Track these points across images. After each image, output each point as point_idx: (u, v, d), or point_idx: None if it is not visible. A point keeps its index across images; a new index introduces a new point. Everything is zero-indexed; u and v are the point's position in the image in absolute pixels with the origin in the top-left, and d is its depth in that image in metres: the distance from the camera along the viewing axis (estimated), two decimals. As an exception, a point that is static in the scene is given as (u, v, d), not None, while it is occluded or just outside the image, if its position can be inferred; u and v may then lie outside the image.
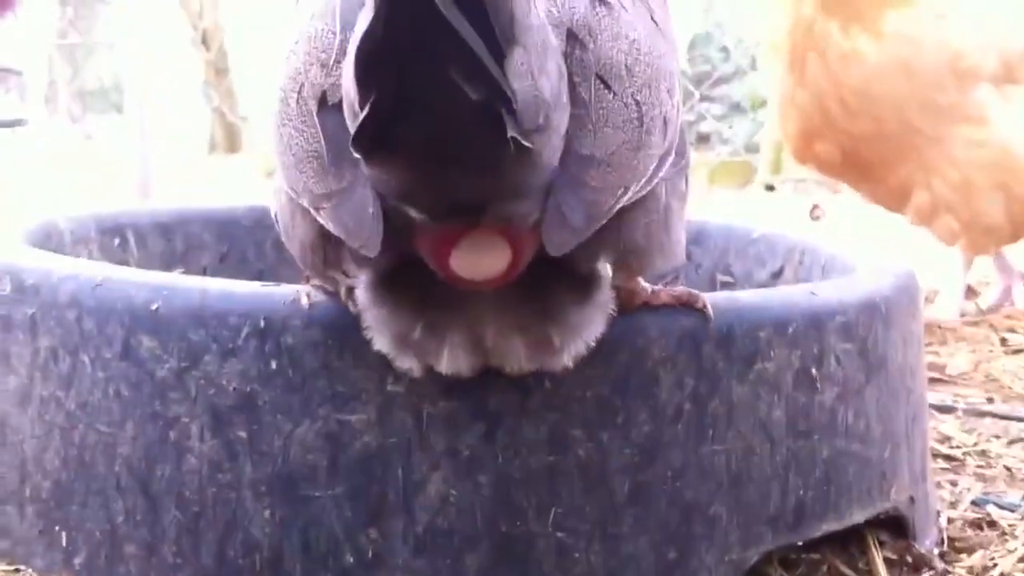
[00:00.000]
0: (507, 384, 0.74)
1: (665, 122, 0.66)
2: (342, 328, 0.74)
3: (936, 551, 0.96)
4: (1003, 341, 1.84)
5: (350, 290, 0.72)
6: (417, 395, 0.74)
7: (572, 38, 0.64)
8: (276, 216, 0.75)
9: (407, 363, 0.71)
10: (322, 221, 0.65)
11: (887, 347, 0.90)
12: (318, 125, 0.64)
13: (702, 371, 0.78)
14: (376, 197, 0.61)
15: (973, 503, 1.09)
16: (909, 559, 0.93)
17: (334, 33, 0.65)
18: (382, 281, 0.68)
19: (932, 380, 1.52)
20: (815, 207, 3.32)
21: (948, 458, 1.24)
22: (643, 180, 0.65)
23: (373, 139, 0.56)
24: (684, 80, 0.74)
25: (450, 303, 0.68)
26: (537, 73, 0.58)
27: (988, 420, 1.41)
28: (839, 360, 0.85)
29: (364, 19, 0.52)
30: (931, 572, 0.92)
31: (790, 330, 0.82)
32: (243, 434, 0.76)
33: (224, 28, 6.56)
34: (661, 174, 0.68)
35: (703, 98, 4.56)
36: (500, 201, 0.60)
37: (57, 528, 0.82)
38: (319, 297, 0.76)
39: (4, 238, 0.96)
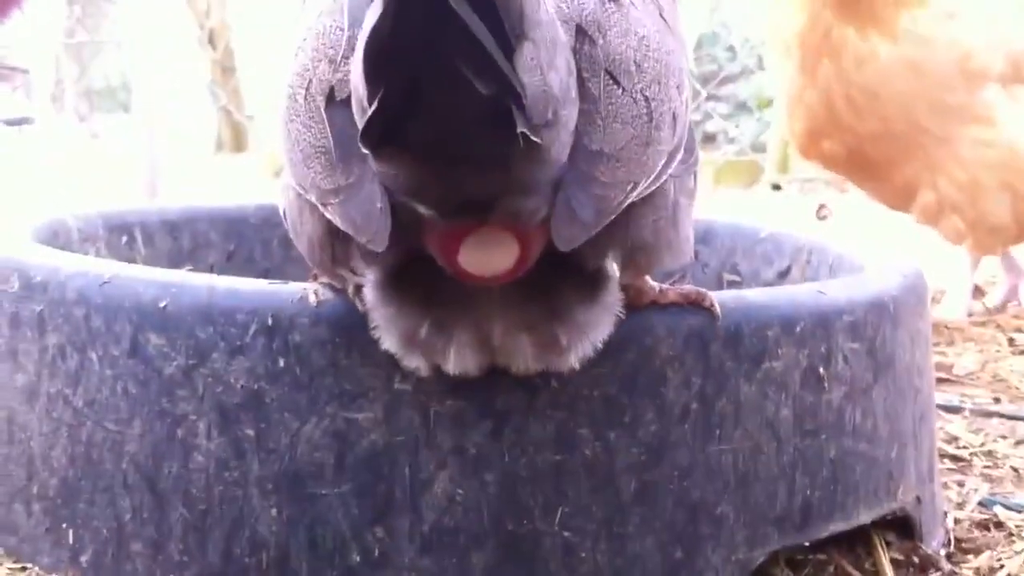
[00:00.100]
0: (514, 383, 0.74)
1: (674, 118, 0.66)
2: (349, 326, 0.74)
3: (943, 552, 0.96)
4: (1011, 341, 1.84)
5: (358, 288, 0.72)
6: (424, 393, 0.74)
7: (581, 34, 0.64)
8: (284, 213, 0.75)
9: (414, 362, 0.71)
10: (330, 217, 0.65)
11: (895, 346, 0.90)
12: (326, 121, 0.64)
13: (709, 370, 0.78)
14: (384, 192, 0.61)
15: (980, 504, 1.08)
16: (916, 560, 0.93)
17: (342, 29, 0.65)
18: (389, 279, 0.68)
19: (939, 380, 1.51)
20: (821, 207, 3.32)
21: (955, 458, 1.24)
22: (652, 176, 0.65)
23: (382, 134, 0.56)
24: (690, 79, 0.74)
25: (457, 301, 0.68)
26: (546, 68, 0.58)
27: (995, 420, 1.40)
28: (847, 359, 0.85)
29: (373, 14, 0.52)
30: (938, 573, 0.91)
31: (798, 329, 0.82)
32: (250, 432, 0.76)
33: (231, 27, 6.57)
34: (670, 171, 0.68)
35: (709, 97, 4.56)
36: (509, 197, 0.60)
37: (64, 526, 0.82)
38: (327, 295, 0.76)
39: (12, 236, 0.96)
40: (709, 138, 5.62)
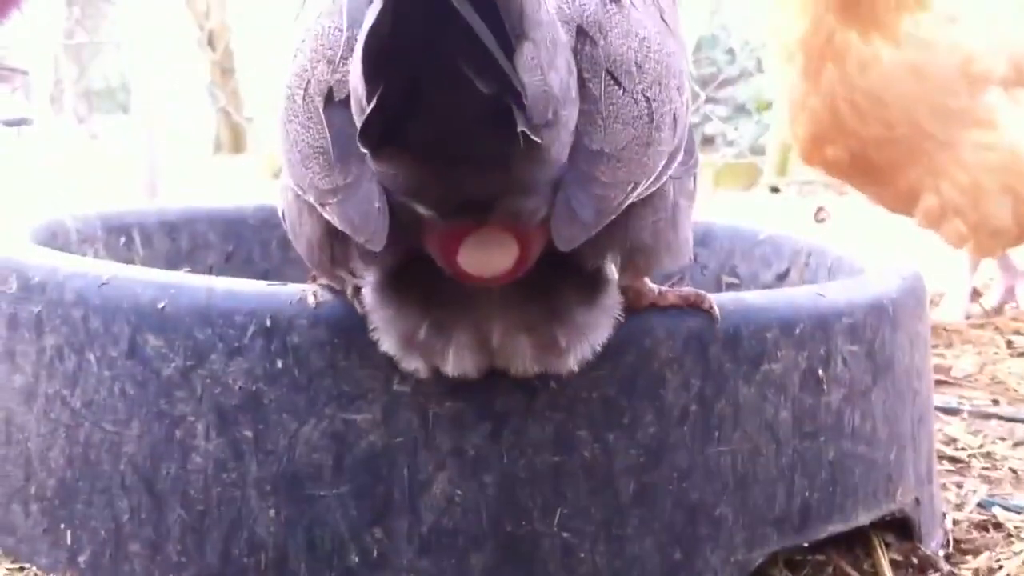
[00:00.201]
0: (513, 384, 0.74)
1: (675, 119, 0.66)
2: (348, 328, 0.74)
3: (942, 553, 0.96)
4: (1009, 343, 1.84)
5: (357, 290, 0.72)
6: (423, 395, 0.74)
7: (582, 34, 0.64)
8: (283, 214, 0.75)
9: (413, 364, 0.71)
10: (328, 217, 0.65)
11: (894, 349, 0.90)
12: (324, 121, 0.64)
13: (708, 372, 0.78)
14: (382, 192, 0.61)
15: (979, 505, 1.09)
16: (915, 561, 0.93)
17: (341, 30, 0.65)
18: (388, 281, 0.68)
19: (938, 382, 1.52)
20: (820, 209, 3.32)
21: (954, 460, 1.24)
22: (652, 177, 0.65)
23: (381, 134, 0.56)
24: (690, 81, 0.74)
25: (456, 303, 0.67)
26: (547, 68, 0.58)
27: (994, 422, 1.40)
28: (846, 361, 0.85)
29: (372, 13, 0.52)
30: (937, 574, 0.91)
31: (797, 331, 0.82)
32: (248, 433, 0.76)
33: (230, 29, 6.57)
34: (670, 172, 0.68)
35: (708, 100, 4.56)
36: (508, 197, 0.60)
37: (62, 526, 0.82)
38: (325, 296, 0.76)
39: (10, 236, 0.96)
40: (708, 140, 5.63)
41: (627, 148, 0.63)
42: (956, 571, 0.93)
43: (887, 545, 0.93)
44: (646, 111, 0.64)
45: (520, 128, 0.54)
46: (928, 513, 0.96)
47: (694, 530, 0.79)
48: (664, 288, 0.79)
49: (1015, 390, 1.56)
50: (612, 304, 0.71)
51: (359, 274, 0.70)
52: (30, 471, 0.84)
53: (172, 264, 1.23)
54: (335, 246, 0.69)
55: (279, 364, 0.75)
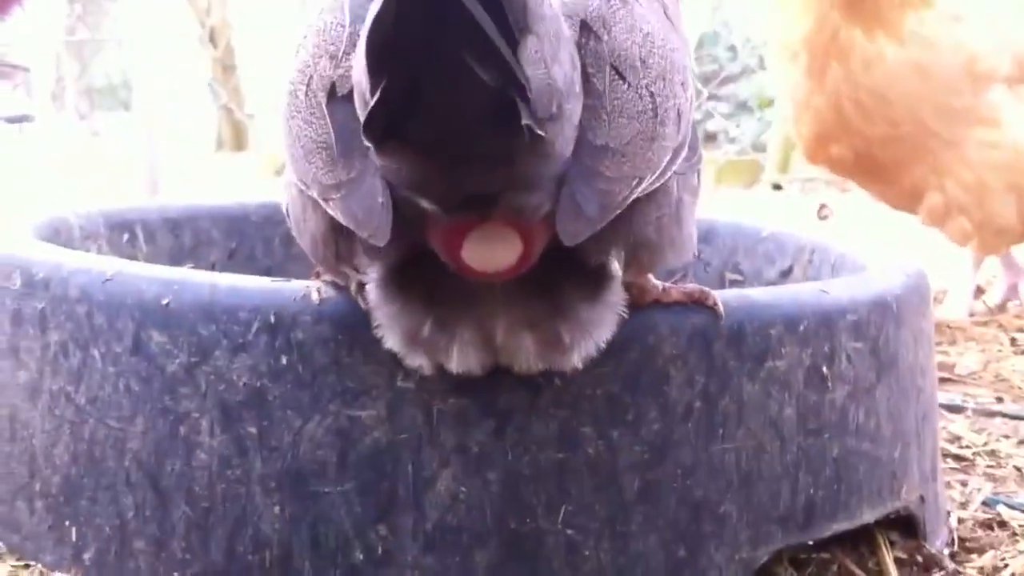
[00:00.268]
0: (517, 381, 0.73)
1: (679, 114, 0.66)
2: (352, 324, 0.74)
3: (946, 551, 0.96)
4: (1012, 341, 1.84)
5: (361, 286, 0.71)
6: (427, 391, 0.74)
7: (586, 29, 0.64)
8: (287, 210, 0.75)
9: (417, 361, 0.71)
10: (331, 212, 0.65)
11: (898, 346, 0.90)
12: (327, 116, 0.64)
13: (713, 369, 0.78)
14: (385, 186, 0.61)
15: (983, 503, 1.08)
16: (919, 559, 0.93)
17: (343, 26, 0.65)
18: (392, 277, 0.68)
19: (941, 380, 1.51)
20: (822, 206, 3.32)
21: (958, 458, 1.24)
22: (657, 172, 0.65)
23: (384, 128, 0.56)
24: (693, 78, 0.74)
25: (460, 299, 0.67)
26: (550, 61, 0.58)
27: (998, 420, 1.40)
28: (850, 358, 0.85)
29: (376, 6, 0.52)
30: (941, 572, 0.91)
31: (801, 328, 0.82)
32: (253, 430, 0.76)
33: (231, 26, 6.57)
34: (674, 168, 0.68)
35: (711, 97, 4.56)
36: (512, 192, 0.60)
37: (67, 523, 0.82)
38: (329, 293, 0.76)
39: (13, 233, 0.96)
40: (710, 137, 5.62)
41: (631, 143, 0.63)
42: (961, 569, 0.93)
43: (892, 543, 0.93)
44: (650, 106, 0.64)
45: (524, 122, 0.54)
46: (933, 511, 0.96)
47: (698, 527, 0.78)
48: (668, 285, 0.78)
49: (1019, 387, 1.56)
50: (616, 300, 0.71)
51: (363, 270, 0.70)
52: (35, 468, 0.84)
53: (175, 261, 1.23)
54: (339, 242, 0.69)
55: (283, 360, 0.75)
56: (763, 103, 5.35)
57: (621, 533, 0.77)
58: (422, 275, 0.67)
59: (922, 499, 0.93)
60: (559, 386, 0.75)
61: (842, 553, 0.91)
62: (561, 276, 0.68)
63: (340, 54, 0.65)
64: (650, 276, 0.77)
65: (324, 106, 0.64)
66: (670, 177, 0.68)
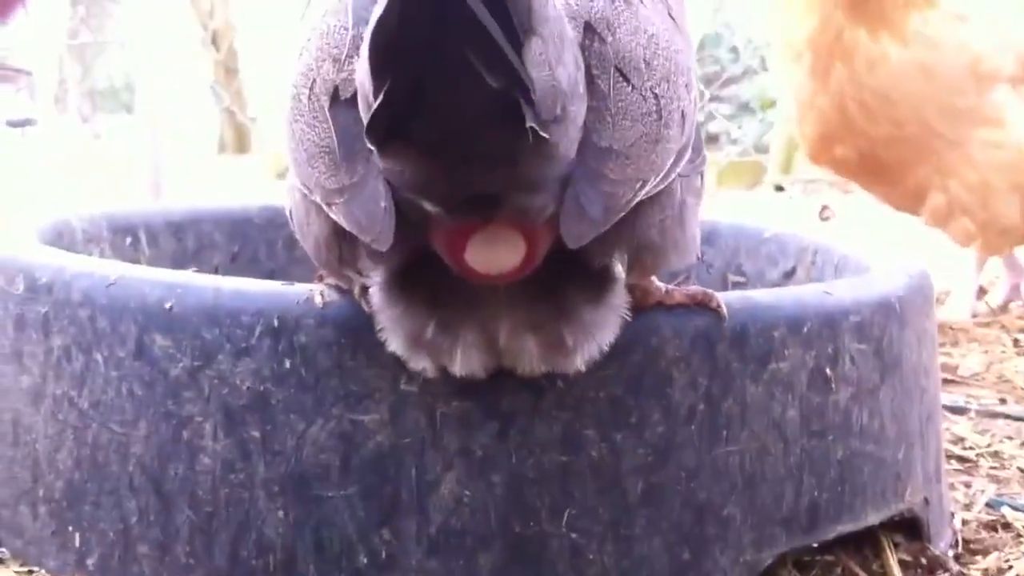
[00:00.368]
0: (520, 384, 0.73)
1: (683, 116, 0.66)
2: (356, 327, 0.74)
3: (951, 553, 0.96)
4: (1015, 342, 1.83)
5: (364, 289, 0.71)
6: (430, 395, 0.74)
7: (590, 31, 0.64)
8: (290, 213, 0.75)
9: (421, 363, 0.70)
10: (334, 216, 0.65)
11: (901, 347, 0.89)
12: (330, 120, 0.64)
13: (716, 371, 0.78)
14: (388, 191, 0.61)
15: (987, 505, 1.08)
16: (924, 561, 0.93)
17: (346, 29, 0.65)
18: (395, 280, 0.68)
19: (944, 381, 1.51)
20: (824, 208, 3.32)
21: (961, 459, 1.24)
22: (661, 174, 0.65)
23: (387, 129, 0.55)
24: (696, 80, 0.74)
25: (463, 301, 0.67)
26: (555, 63, 0.58)
27: (1001, 421, 1.40)
28: (853, 360, 0.85)
29: (379, 7, 0.52)
30: (946, 574, 0.91)
31: (804, 330, 0.82)
32: (256, 433, 0.76)
33: (234, 28, 6.57)
34: (678, 170, 0.68)
35: (712, 98, 4.56)
36: (516, 193, 0.60)
37: (70, 528, 0.82)
38: (333, 296, 0.76)
39: (16, 236, 0.96)
40: (712, 139, 5.62)
41: (636, 145, 0.63)
42: (965, 571, 0.92)
43: (896, 545, 0.93)
44: (655, 108, 0.64)
45: (529, 123, 0.54)
46: (937, 513, 0.96)
47: (702, 530, 0.78)
48: (671, 287, 0.78)
49: (1022, 389, 1.56)
50: (619, 303, 0.71)
51: (366, 273, 0.70)
52: (38, 473, 0.84)
53: (178, 264, 1.23)
54: (343, 245, 0.69)
55: (286, 364, 0.75)
56: (765, 104, 5.35)
57: (625, 536, 0.76)
58: (425, 278, 0.67)
59: (926, 501, 0.93)
60: (562, 388, 0.75)
61: (846, 555, 0.91)
62: (564, 278, 0.68)
63: (343, 57, 0.65)
64: (653, 278, 0.77)
65: (327, 110, 0.64)
66: (674, 179, 0.68)
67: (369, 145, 0.58)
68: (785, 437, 0.81)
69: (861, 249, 1.10)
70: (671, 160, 0.66)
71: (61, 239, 1.08)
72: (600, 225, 0.62)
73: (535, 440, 0.75)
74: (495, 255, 0.63)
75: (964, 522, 1.03)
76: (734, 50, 5.68)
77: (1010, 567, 0.93)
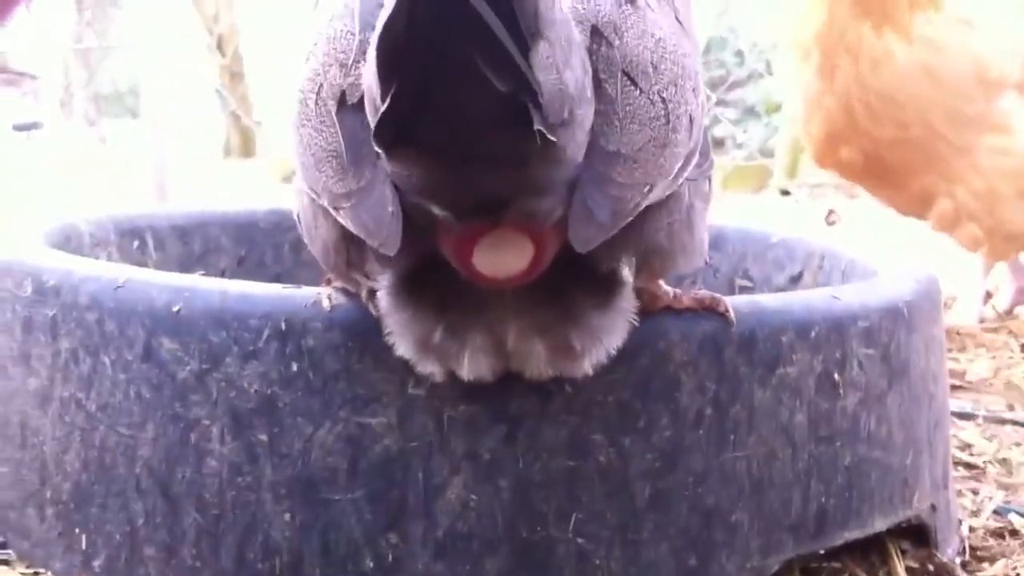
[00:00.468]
0: (528, 387, 0.73)
1: (691, 121, 0.66)
2: (363, 331, 0.74)
3: (958, 560, 0.96)
4: (1023, 347, 1.83)
5: (371, 292, 0.71)
6: (438, 398, 0.74)
7: (597, 35, 0.64)
8: (298, 217, 0.75)
9: (429, 367, 0.70)
10: (342, 221, 0.65)
11: (909, 352, 0.89)
12: (337, 124, 0.64)
13: (724, 375, 0.78)
14: (395, 195, 0.61)
15: (995, 512, 1.08)
16: (931, 568, 0.92)
17: (353, 34, 0.65)
18: (403, 284, 0.68)
19: (952, 387, 1.50)
20: (830, 212, 3.31)
21: (969, 466, 1.23)
22: (669, 178, 0.65)
23: (395, 133, 0.55)
24: (703, 84, 0.74)
25: (471, 305, 0.67)
26: (562, 66, 0.58)
27: (1009, 427, 1.40)
28: (861, 365, 0.84)
29: (387, 11, 0.52)
30: (953, 581, 0.91)
31: (812, 334, 0.81)
32: (263, 437, 0.76)
33: (239, 32, 6.59)
34: (686, 174, 0.68)
35: (718, 102, 4.56)
36: (524, 197, 0.60)
37: (77, 530, 0.82)
38: (340, 299, 0.76)
39: (24, 240, 0.96)
40: (717, 143, 5.62)
41: (644, 149, 0.63)
42: (972, 578, 0.92)
43: (903, 552, 0.93)
44: (662, 112, 0.64)
45: (536, 127, 0.54)
46: (944, 519, 0.95)
47: (709, 535, 0.78)
48: (679, 291, 0.78)
49: (1030, 395, 1.55)
50: (627, 307, 0.71)
51: (374, 277, 0.70)
52: (45, 475, 0.84)
53: (185, 268, 1.23)
54: (351, 249, 0.69)
55: (294, 367, 0.75)
56: (771, 108, 5.34)
57: (632, 541, 0.76)
58: (433, 282, 0.67)
59: (933, 507, 0.93)
60: (570, 393, 0.75)
61: (853, 562, 0.90)
62: (572, 282, 0.68)
63: (350, 62, 0.65)
64: (661, 282, 0.77)
65: (334, 114, 0.64)
66: (682, 183, 0.68)
67: (376, 149, 0.58)
68: (793, 442, 0.81)
69: (869, 254, 1.10)
70: (679, 164, 0.66)
71: (68, 242, 1.09)
72: (608, 229, 0.62)
73: (542, 444, 0.75)
74: (502, 259, 0.63)
75: (971, 529, 1.03)
76: (739, 54, 5.68)
77: (1017, 574, 0.93)
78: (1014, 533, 1.03)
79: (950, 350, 1.76)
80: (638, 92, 0.63)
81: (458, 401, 0.74)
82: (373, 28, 0.60)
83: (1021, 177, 1.80)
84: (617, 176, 0.62)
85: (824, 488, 0.83)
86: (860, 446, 0.85)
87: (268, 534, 0.76)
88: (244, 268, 1.30)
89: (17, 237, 0.97)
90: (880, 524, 0.88)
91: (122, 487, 0.80)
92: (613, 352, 0.71)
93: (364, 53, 0.64)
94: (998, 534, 1.03)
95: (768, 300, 0.84)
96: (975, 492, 1.14)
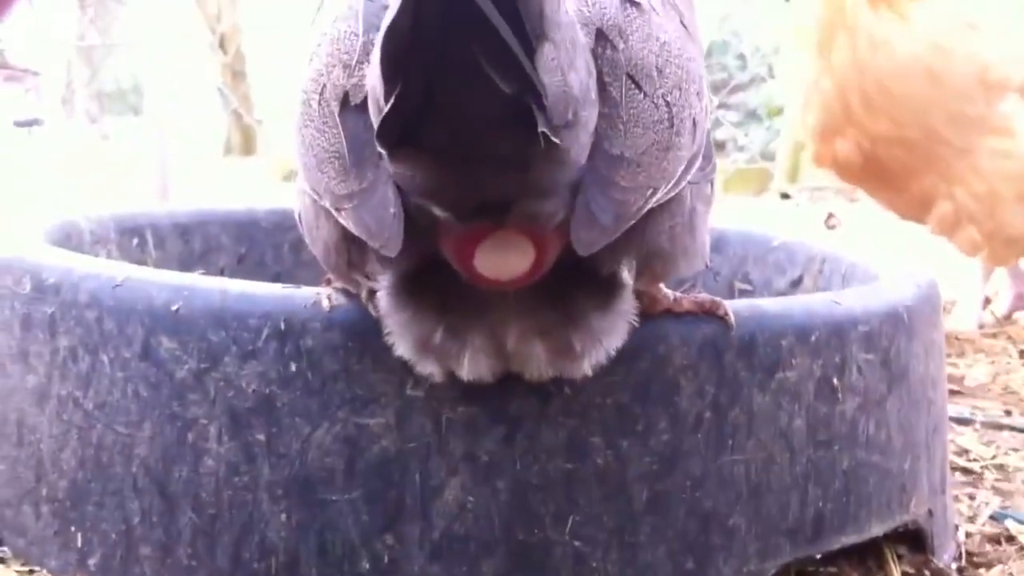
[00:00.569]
0: (527, 389, 0.73)
1: (694, 124, 0.66)
2: (362, 331, 0.74)
3: (954, 565, 0.96)
4: (1022, 353, 1.83)
5: (371, 293, 0.71)
6: (436, 399, 0.74)
7: (602, 38, 0.64)
8: (299, 217, 0.75)
9: (428, 368, 0.70)
10: (343, 222, 0.65)
11: (909, 357, 0.89)
12: (340, 126, 0.64)
13: (723, 379, 0.78)
14: (397, 197, 0.61)
15: (991, 517, 1.08)
16: (927, 573, 0.92)
17: (356, 35, 0.65)
18: (404, 285, 0.68)
19: (950, 392, 1.51)
20: (830, 215, 3.32)
21: (966, 471, 1.23)
22: (672, 182, 0.65)
23: (399, 134, 0.55)
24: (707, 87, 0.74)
25: (472, 307, 0.67)
26: (567, 69, 0.58)
27: (1006, 433, 1.40)
28: (861, 370, 0.84)
29: (392, 11, 0.52)
30: (950, 586, 0.91)
31: (812, 339, 0.81)
32: (261, 436, 0.76)
33: (242, 31, 6.59)
34: (688, 177, 0.68)
35: (720, 105, 4.56)
36: (526, 199, 0.60)
37: (72, 528, 0.82)
38: (340, 300, 0.76)
39: (24, 237, 0.96)
40: (719, 146, 5.62)
41: (647, 153, 0.63)
42: (969, 583, 0.92)
43: (899, 557, 0.93)
44: (666, 116, 0.64)
45: (540, 129, 0.54)
46: (941, 525, 0.95)
47: (707, 539, 0.78)
48: (679, 294, 0.78)
49: (1028, 400, 1.55)
50: (627, 308, 0.71)
51: (375, 277, 0.70)
52: (41, 472, 0.84)
53: (185, 266, 1.23)
54: (352, 250, 0.69)
55: (292, 367, 0.75)
56: (772, 112, 5.35)
57: (629, 544, 0.76)
58: (434, 283, 0.67)
59: (930, 513, 0.93)
60: (569, 395, 0.75)
61: (849, 567, 0.90)
62: (573, 284, 0.68)
63: (354, 63, 0.65)
64: (661, 285, 0.77)
65: (337, 115, 0.64)
66: (684, 187, 0.68)
67: (380, 149, 0.58)
68: (791, 447, 0.81)
69: (869, 258, 1.10)
70: (682, 168, 0.66)
71: (68, 240, 1.08)
72: (611, 232, 0.62)
73: (541, 446, 0.75)
74: (504, 261, 0.63)
75: (968, 534, 1.03)
76: (741, 57, 5.68)
77: (1015, 580, 0.93)
78: (1010, 539, 1.03)
79: (949, 355, 1.76)
80: (642, 95, 0.63)
81: (457, 402, 0.74)
82: (377, 29, 0.60)
83: (1022, 180, 1.80)
84: (620, 180, 0.62)
85: (822, 493, 0.83)
86: (858, 451, 0.85)
87: (264, 534, 0.76)
88: (244, 267, 1.30)
89: (17, 234, 0.97)
90: (877, 529, 0.88)
91: (118, 486, 0.79)
92: (613, 353, 0.71)
93: (367, 54, 0.64)
94: (994, 540, 1.03)
95: (768, 304, 0.84)
96: (972, 497, 1.14)
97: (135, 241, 1.22)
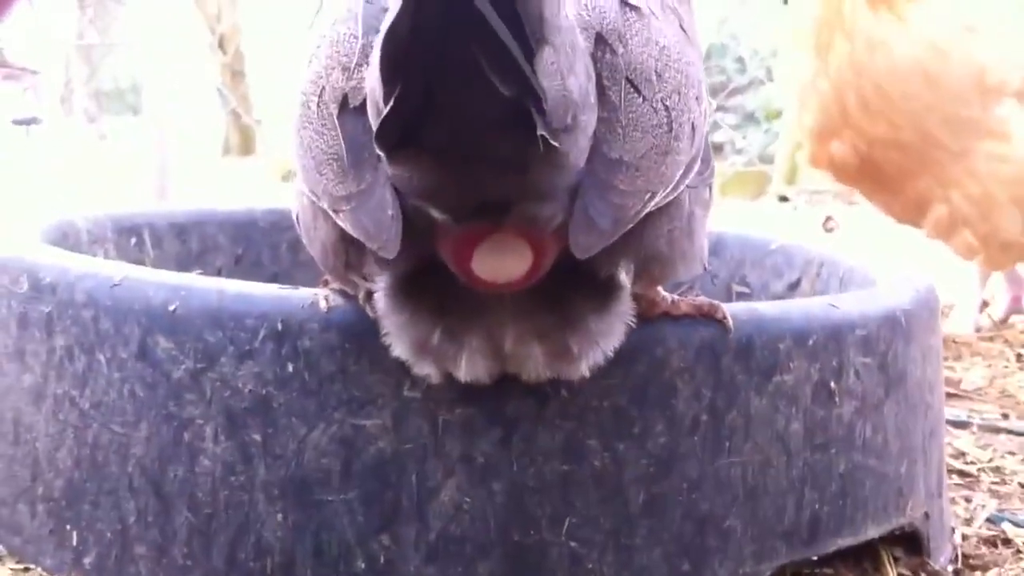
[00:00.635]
0: (524, 391, 0.73)
1: (693, 128, 0.66)
2: (359, 332, 0.74)
3: (950, 568, 0.96)
4: (1018, 357, 1.83)
5: (369, 294, 0.71)
6: (433, 401, 0.74)
7: (602, 42, 0.64)
8: (297, 218, 0.75)
9: (425, 369, 0.70)
10: (341, 223, 0.65)
11: (907, 361, 0.89)
12: (338, 127, 0.64)
13: (720, 382, 0.78)
14: (395, 199, 0.61)
15: (988, 520, 1.08)
16: (923, 576, 0.92)
17: (356, 37, 0.65)
18: (401, 287, 0.68)
19: (947, 395, 1.51)
20: (828, 219, 3.31)
21: (963, 474, 1.23)
22: (670, 186, 0.65)
23: (398, 136, 0.55)
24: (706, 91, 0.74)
25: (469, 309, 0.67)
26: (566, 72, 0.58)
27: (1003, 436, 1.40)
28: (858, 374, 0.84)
29: (392, 14, 0.52)
30: (946, 589, 0.91)
31: (810, 342, 0.81)
32: (257, 437, 0.76)
33: (241, 31, 6.59)
34: (687, 181, 0.68)
35: (718, 108, 4.56)
36: (525, 202, 0.60)
37: (68, 527, 0.82)
38: (337, 301, 0.76)
39: (21, 236, 0.96)
40: (717, 149, 5.63)
41: (646, 157, 0.63)
42: (965, 587, 0.92)
43: (895, 559, 0.93)
44: (665, 120, 0.64)
45: (539, 132, 0.54)
46: (937, 528, 0.95)
47: (703, 541, 0.78)
48: (677, 297, 0.78)
49: (1025, 404, 1.56)
50: (625, 311, 0.71)
51: (372, 279, 0.70)
52: (37, 471, 0.84)
53: (182, 266, 1.23)
54: (349, 251, 0.69)
55: (289, 368, 0.75)
56: (770, 115, 5.35)
57: (625, 546, 0.76)
58: (431, 285, 0.67)
59: (927, 515, 0.93)
60: (566, 397, 0.75)
61: (845, 569, 0.90)
62: (570, 287, 0.68)
63: (352, 66, 0.65)
64: (659, 289, 0.77)
65: (336, 117, 0.64)
66: (682, 190, 0.68)
67: (378, 151, 0.58)
68: (788, 450, 0.81)
69: (867, 262, 1.10)
70: (680, 172, 0.66)
71: (66, 239, 1.08)
72: (609, 236, 0.62)
73: (537, 448, 0.75)
74: (502, 263, 0.63)
75: (964, 537, 1.03)
76: (740, 60, 5.69)
77: (1011, 583, 0.93)
78: (1007, 542, 1.03)
79: (946, 358, 1.76)
80: (641, 100, 0.63)
81: (453, 404, 0.74)
82: (376, 32, 0.60)
83: (1018, 184, 1.80)
84: (619, 183, 0.62)
85: (818, 495, 0.83)
86: (855, 454, 0.85)
87: (260, 534, 0.76)
88: (241, 267, 1.30)
89: (14, 233, 0.97)
90: (873, 531, 0.88)
91: (114, 485, 0.79)
92: (610, 355, 0.71)
93: (367, 57, 0.64)
94: (991, 542, 1.03)
95: (766, 308, 0.84)
96: (968, 500, 1.14)
97: (132, 241, 1.22)
